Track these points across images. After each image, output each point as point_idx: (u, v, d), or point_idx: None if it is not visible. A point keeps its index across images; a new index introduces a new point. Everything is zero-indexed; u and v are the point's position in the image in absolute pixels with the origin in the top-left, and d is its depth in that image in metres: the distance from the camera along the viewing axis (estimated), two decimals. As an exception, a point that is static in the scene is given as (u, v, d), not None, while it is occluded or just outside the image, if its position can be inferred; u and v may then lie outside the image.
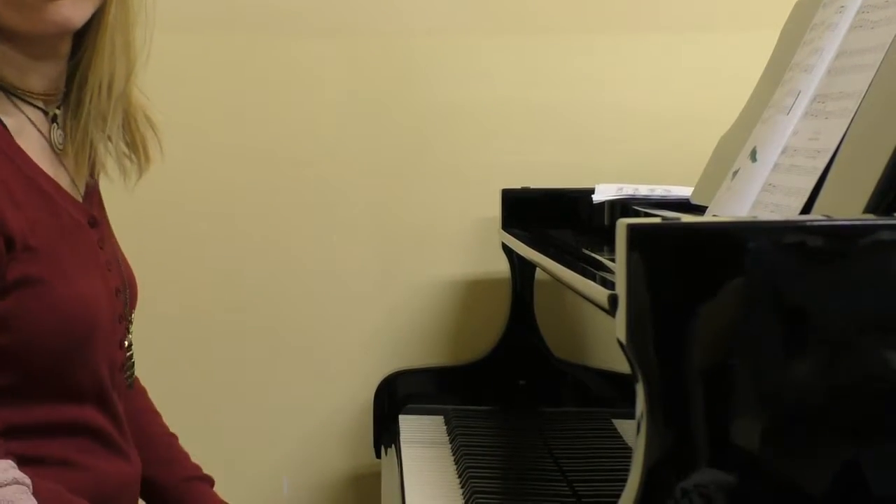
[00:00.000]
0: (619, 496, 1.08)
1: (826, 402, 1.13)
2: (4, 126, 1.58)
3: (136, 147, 1.78)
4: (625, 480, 1.10)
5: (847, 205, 1.19)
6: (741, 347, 1.11)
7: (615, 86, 2.33)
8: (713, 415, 1.11)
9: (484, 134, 2.28)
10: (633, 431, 1.09)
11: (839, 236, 1.13)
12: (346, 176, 2.32)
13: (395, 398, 2.13)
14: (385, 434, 2.07)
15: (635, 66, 2.33)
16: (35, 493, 1.36)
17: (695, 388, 1.11)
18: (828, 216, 1.20)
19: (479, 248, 2.32)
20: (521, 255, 2.01)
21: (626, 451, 1.12)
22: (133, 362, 1.83)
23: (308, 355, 2.28)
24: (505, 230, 2.12)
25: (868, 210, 1.16)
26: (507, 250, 2.13)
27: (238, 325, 2.22)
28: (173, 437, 1.91)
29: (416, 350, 2.29)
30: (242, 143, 2.24)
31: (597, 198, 1.93)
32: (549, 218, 2.08)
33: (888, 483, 1.13)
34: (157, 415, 1.92)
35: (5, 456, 1.45)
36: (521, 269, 2.16)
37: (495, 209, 2.18)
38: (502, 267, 2.19)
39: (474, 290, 2.27)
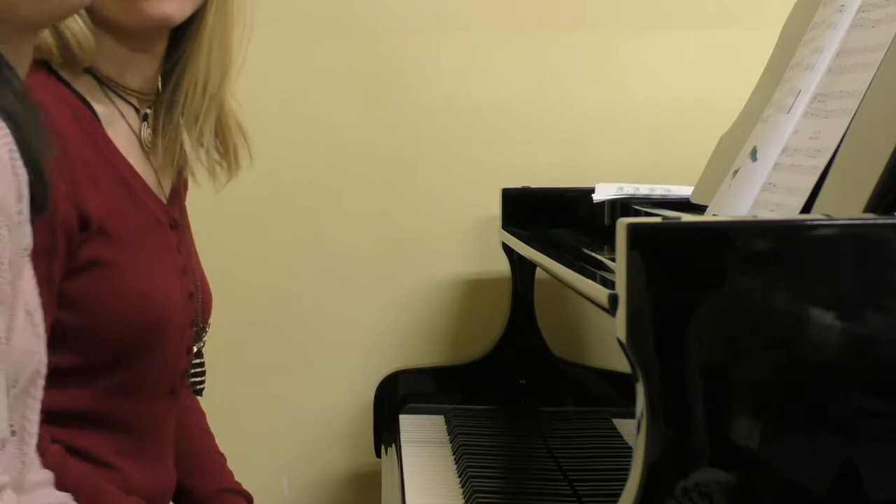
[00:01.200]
0: (619, 495, 1.09)
1: (825, 400, 1.13)
2: (95, 114, 1.61)
3: (227, 154, 1.80)
4: (625, 480, 1.10)
5: (847, 204, 1.20)
6: (741, 347, 1.12)
7: (615, 85, 2.35)
8: (713, 414, 1.11)
9: (485, 134, 2.30)
10: (633, 431, 1.10)
11: (840, 236, 1.13)
12: (346, 175, 2.32)
13: (395, 397, 2.13)
14: (385, 433, 2.08)
15: (635, 65, 2.35)
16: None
17: (695, 388, 1.11)
18: (828, 215, 1.19)
19: (480, 248, 2.32)
20: (522, 254, 2.02)
21: (626, 451, 1.12)
22: (204, 370, 1.85)
23: (309, 354, 2.28)
24: (505, 229, 2.12)
25: (868, 209, 1.16)
26: (508, 249, 2.14)
27: (238, 325, 2.20)
28: (221, 456, 1.91)
29: (417, 349, 2.30)
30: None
31: (597, 197, 1.93)
32: (549, 217, 2.09)
33: (885, 481, 1.14)
34: (210, 434, 1.92)
35: (49, 445, 1.45)
36: (522, 269, 2.16)
37: (495, 208, 2.19)
38: (503, 266, 2.19)
39: (474, 290, 2.28)
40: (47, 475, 1.36)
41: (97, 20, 1.60)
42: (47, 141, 1.27)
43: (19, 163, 1.17)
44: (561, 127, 2.32)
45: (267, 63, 2.18)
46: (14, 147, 1.17)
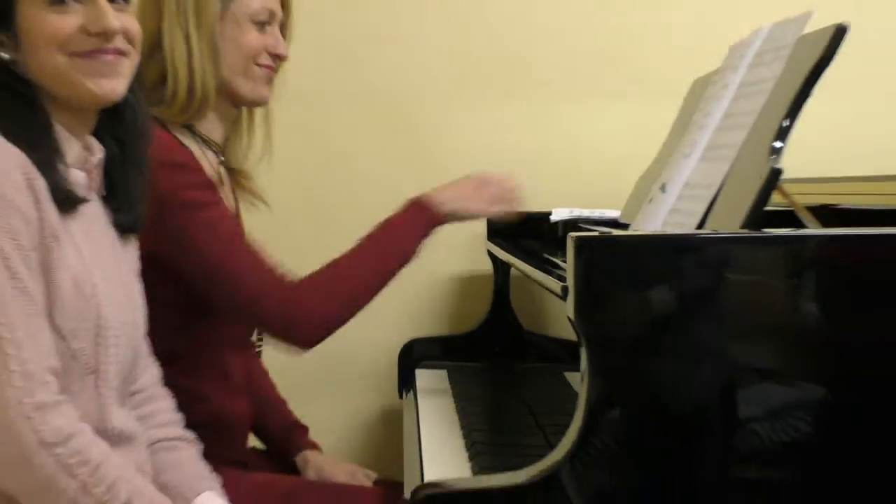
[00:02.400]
0: (568, 425, 1.13)
1: (704, 348, 1.13)
2: (191, 153, 1.59)
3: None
4: (572, 414, 1.13)
5: (728, 223, 1.22)
6: (651, 322, 1.13)
7: (573, 135, 2.28)
8: (632, 369, 1.13)
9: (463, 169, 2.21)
10: (578, 381, 1.14)
11: (722, 245, 1.14)
12: (372, 203, 2.29)
13: (412, 358, 2.13)
14: (406, 383, 2.08)
15: (586, 123, 2.29)
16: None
17: (620, 351, 1.13)
18: (715, 231, 1.25)
19: (471, 254, 2.30)
20: (501, 258, 2.07)
21: (573, 395, 1.12)
22: (262, 339, 1.84)
23: (351, 328, 2.26)
24: (489, 240, 2.15)
25: (743, 227, 1.18)
26: (491, 255, 2.17)
27: None
28: (284, 401, 1.89)
29: (427, 324, 2.30)
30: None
31: (554, 218, 1.93)
32: (521, 232, 2.07)
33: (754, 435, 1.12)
34: (272, 385, 1.90)
35: (167, 395, 1.44)
36: (501, 268, 2.19)
37: (482, 226, 2.17)
38: (487, 266, 2.19)
39: (468, 283, 2.29)
40: (132, 428, 1.32)
41: (222, 93, 1.63)
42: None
43: (39, 182, 1.17)
44: (531, 164, 2.25)
45: (309, 122, 2.15)
46: (30, 171, 1.17)
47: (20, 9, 1.21)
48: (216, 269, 1.48)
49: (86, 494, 1.15)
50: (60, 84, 1.23)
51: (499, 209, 1.61)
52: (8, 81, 1.22)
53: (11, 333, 1.12)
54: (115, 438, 1.25)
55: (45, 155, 1.20)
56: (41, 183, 1.18)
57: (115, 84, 1.26)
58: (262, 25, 1.62)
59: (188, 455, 1.39)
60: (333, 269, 1.53)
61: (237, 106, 1.67)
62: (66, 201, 1.22)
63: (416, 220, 1.57)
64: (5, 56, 1.22)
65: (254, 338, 1.79)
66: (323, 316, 1.51)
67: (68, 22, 1.22)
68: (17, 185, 1.15)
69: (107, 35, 1.24)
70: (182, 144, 1.56)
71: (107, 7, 1.24)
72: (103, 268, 1.28)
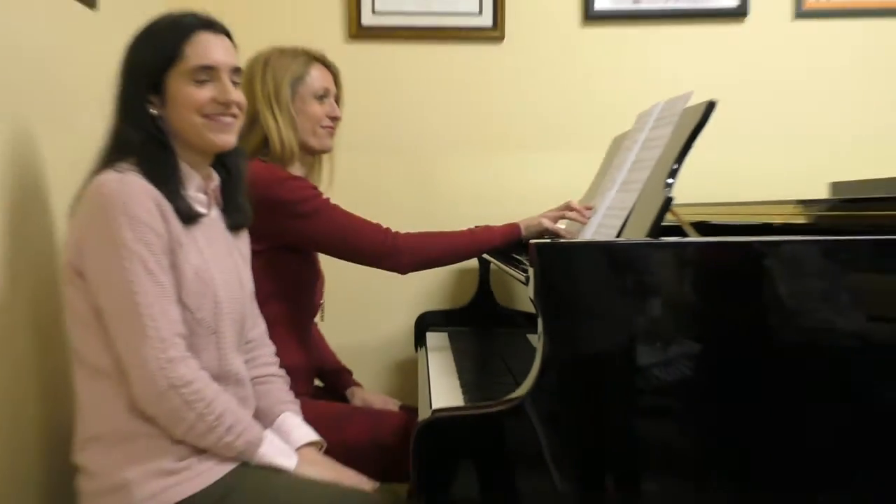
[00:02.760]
0: (528, 372, 1.15)
1: (615, 326, 1.13)
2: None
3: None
4: (532, 363, 1.15)
5: (637, 234, 1.24)
6: (585, 301, 1.14)
7: (537, 177, 2.22)
8: (572, 333, 1.13)
9: (475, 211, 2.15)
10: (536, 340, 1.15)
11: (633, 249, 1.15)
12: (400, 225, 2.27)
13: (424, 324, 2.11)
14: (420, 341, 2.07)
15: (547, 168, 2.23)
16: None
17: (564, 320, 1.13)
18: (628, 239, 1.26)
19: None
20: (484, 257, 2.03)
21: (532, 350, 1.13)
22: (323, 310, 1.82)
23: (384, 305, 2.26)
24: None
25: (647, 236, 1.20)
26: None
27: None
28: (334, 353, 1.91)
29: (435, 302, 2.25)
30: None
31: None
32: None
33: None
34: (327, 343, 1.91)
35: (270, 344, 1.46)
36: (484, 264, 2.14)
37: None
38: (475, 264, 2.14)
39: (462, 274, 2.22)
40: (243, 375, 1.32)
41: (301, 147, 1.66)
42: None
43: (166, 205, 1.20)
44: (509, 197, 2.20)
45: (351, 164, 2.10)
46: (159, 198, 1.20)
47: (170, 80, 1.25)
48: (351, 234, 1.54)
49: (201, 421, 1.17)
50: (193, 136, 1.27)
51: (558, 227, 1.62)
52: (153, 131, 1.25)
53: (149, 310, 1.15)
54: (232, 378, 1.28)
55: (172, 186, 1.23)
56: (167, 206, 1.20)
57: (230, 138, 1.31)
58: (321, 99, 1.66)
59: (277, 387, 1.41)
60: (432, 235, 1.58)
61: (312, 154, 1.71)
62: (188, 217, 1.24)
63: (504, 234, 1.60)
64: (154, 112, 1.25)
65: (317, 318, 1.80)
66: (416, 260, 1.56)
67: (204, 93, 1.26)
68: (149, 210, 1.18)
69: (228, 105, 1.28)
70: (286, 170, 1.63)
71: (230, 85, 1.28)
72: (219, 260, 1.30)
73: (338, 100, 1.73)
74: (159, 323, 1.15)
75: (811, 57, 2.23)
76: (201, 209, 1.30)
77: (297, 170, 1.67)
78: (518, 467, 1.12)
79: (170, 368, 1.15)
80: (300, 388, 1.53)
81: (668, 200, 1.20)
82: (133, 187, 1.17)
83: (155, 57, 1.24)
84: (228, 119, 1.29)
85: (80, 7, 1.57)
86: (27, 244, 1.34)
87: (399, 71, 2.23)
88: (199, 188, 1.31)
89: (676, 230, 1.33)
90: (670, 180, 1.22)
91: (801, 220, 1.50)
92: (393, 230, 1.59)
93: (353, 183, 1.96)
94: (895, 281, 1.11)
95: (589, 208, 1.59)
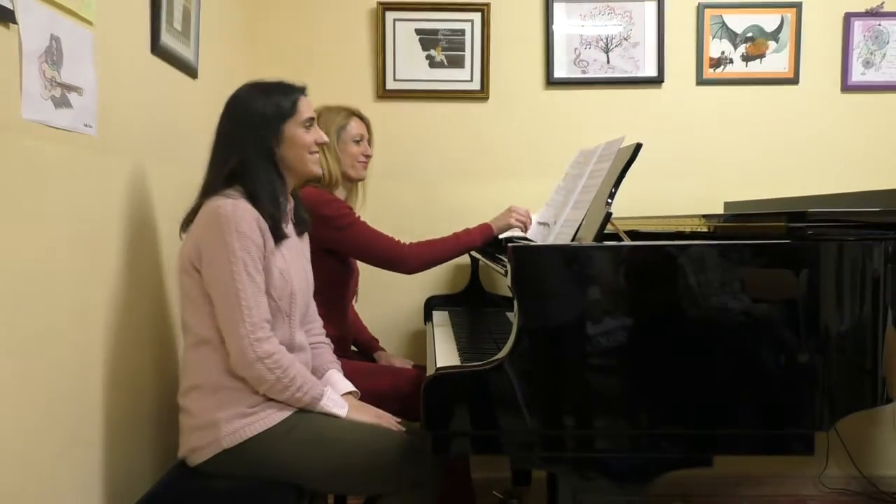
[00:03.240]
0: (507, 339, 1.12)
1: (571, 306, 1.11)
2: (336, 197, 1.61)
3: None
4: (510, 333, 1.13)
5: (586, 239, 1.20)
6: (549, 288, 1.12)
7: (519, 197, 2.11)
8: (539, 311, 1.11)
9: (467, 217, 2.07)
10: (513, 317, 1.13)
11: (583, 250, 1.13)
12: (409, 234, 2.16)
13: (430, 305, 2.06)
14: (427, 317, 2.02)
15: (527, 190, 2.15)
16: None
17: (533, 302, 1.11)
18: (579, 243, 1.21)
19: (463, 256, 2.20)
20: (475, 255, 1.99)
21: (509, 324, 1.10)
22: (357, 295, 1.77)
23: (402, 290, 2.21)
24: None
25: (594, 240, 1.14)
26: (470, 255, 2.05)
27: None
28: (366, 327, 1.85)
29: (439, 288, 2.17)
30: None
31: (501, 236, 1.90)
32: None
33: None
34: (360, 319, 1.85)
35: (319, 320, 1.42)
36: (474, 260, 2.08)
37: None
38: (467, 260, 2.08)
39: (459, 268, 2.18)
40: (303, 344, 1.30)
41: (343, 175, 1.63)
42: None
43: (264, 225, 1.19)
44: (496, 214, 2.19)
45: (376, 194, 2.04)
46: (260, 220, 1.18)
47: (286, 126, 1.24)
48: (373, 244, 1.53)
49: (279, 383, 1.17)
50: (303, 168, 1.27)
51: (518, 225, 1.62)
52: (270, 165, 1.23)
53: (246, 301, 1.15)
54: (297, 347, 1.27)
55: (274, 211, 1.22)
56: (265, 225, 1.19)
57: (318, 168, 1.33)
58: (358, 143, 1.65)
59: (325, 351, 1.39)
60: (431, 242, 1.57)
61: (351, 182, 1.69)
62: (278, 236, 1.22)
63: (481, 232, 1.59)
64: (276, 150, 1.23)
65: (353, 301, 1.78)
66: (424, 264, 1.55)
67: (310, 136, 1.27)
68: (252, 229, 1.17)
69: (319, 145, 1.30)
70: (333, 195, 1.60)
71: (321, 132, 1.30)
72: (294, 262, 1.28)
73: (370, 142, 1.73)
74: (253, 311, 1.15)
75: (710, 111, 2.23)
76: (286, 229, 1.27)
77: (340, 193, 1.65)
78: (499, 410, 1.10)
79: (257, 345, 1.15)
80: (339, 352, 1.51)
81: (608, 215, 1.18)
82: (243, 212, 1.17)
83: (278, 110, 1.23)
84: (318, 155, 1.31)
85: (185, 76, 1.58)
86: (144, 249, 1.34)
87: (414, 121, 2.19)
88: (287, 210, 1.29)
89: (615, 237, 1.31)
90: (610, 200, 1.20)
91: (704, 229, 1.49)
92: (405, 242, 1.57)
93: (380, 201, 1.97)
94: (768, 274, 1.10)
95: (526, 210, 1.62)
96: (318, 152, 1.30)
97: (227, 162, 1.22)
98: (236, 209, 1.17)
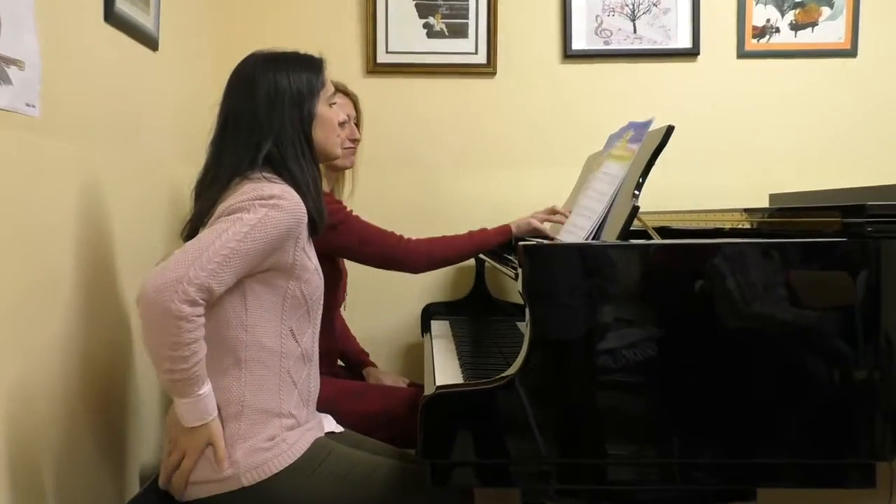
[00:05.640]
0: (518, 353, 1.13)
1: (590, 313, 1.12)
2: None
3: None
4: (521, 346, 1.14)
5: (610, 237, 1.22)
6: (566, 294, 1.12)
7: (523, 188, 2.16)
8: (555, 321, 1.12)
9: (469, 210, 2.15)
10: (524, 327, 1.14)
11: (605, 250, 1.14)
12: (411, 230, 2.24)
13: (429, 313, 2.10)
14: (425, 328, 2.04)
15: (532, 182, 2.16)
16: None
17: (548, 310, 1.12)
18: (602, 241, 1.24)
19: None
20: (480, 256, 1.97)
21: (520, 336, 1.11)
22: (345, 302, 1.79)
23: (396, 296, 2.21)
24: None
25: (618, 239, 1.19)
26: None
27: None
28: (355, 338, 1.87)
29: (439, 295, 2.20)
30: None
31: None
32: None
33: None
34: (349, 330, 1.88)
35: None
36: (479, 262, 2.11)
37: None
38: (472, 262, 2.05)
39: (461, 271, 2.18)
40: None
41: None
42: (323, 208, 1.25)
43: (306, 214, 1.16)
44: (504, 205, 2.11)
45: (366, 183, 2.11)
46: (304, 209, 1.15)
47: (318, 103, 1.22)
48: (372, 241, 1.51)
49: (175, 345, 1.04)
50: (330, 150, 1.25)
51: (544, 227, 1.59)
52: (308, 148, 1.20)
53: (213, 255, 1.05)
54: (314, 359, 1.22)
55: (318, 200, 1.19)
56: (306, 219, 1.16)
57: (340, 152, 1.33)
58: (343, 125, 1.64)
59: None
60: (441, 239, 1.56)
61: (335, 171, 1.68)
62: (316, 230, 1.21)
63: (498, 233, 1.58)
64: (311, 131, 1.21)
65: (341, 308, 1.79)
66: (431, 262, 1.54)
67: (337, 116, 1.27)
68: (299, 219, 1.13)
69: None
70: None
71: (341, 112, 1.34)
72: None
73: (358, 124, 1.71)
74: (207, 269, 1.04)
75: (751, 89, 2.23)
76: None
77: (323, 185, 1.64)
78: (508, 435, 1.10)
79: (182, 297, 1.02)
80: (323, 368, 1.51)
81: (635, 209, 1.18)
82: (292, 196, 1.12)
83: (311, 85, 1.20)
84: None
85: (144, 48, 1.57)
86: (98, 248, 1.33)
87: (409, 101, 2.19)
88: None
89: (643, 234, 1.31)
90: (637, 192, 1.20)
91: (746, 226, 1.48)
92: (405, 237, 1.56)
93: (370, 193, 1.96)
94: (821, 277, 1.10)
95: (569, 212, 1.55)
96: (340, 135, 1.30)
97: (257, 147, 1.17)
98: (285, 192, 1.12)
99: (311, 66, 1.24)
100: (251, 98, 1.19)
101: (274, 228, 1.10)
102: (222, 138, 1.21)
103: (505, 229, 1.59)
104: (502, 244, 1.59)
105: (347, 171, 1.73)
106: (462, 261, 1.60)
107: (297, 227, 1.14)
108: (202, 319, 1.07)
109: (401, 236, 1.56)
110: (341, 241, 1.51)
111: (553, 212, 1.60)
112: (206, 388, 1.10)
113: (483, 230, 1.61)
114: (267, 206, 1.09)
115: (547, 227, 1.61)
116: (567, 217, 1.55)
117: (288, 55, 1.24)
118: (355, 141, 1.68)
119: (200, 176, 1.23)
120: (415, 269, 1.55)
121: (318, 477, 1.14)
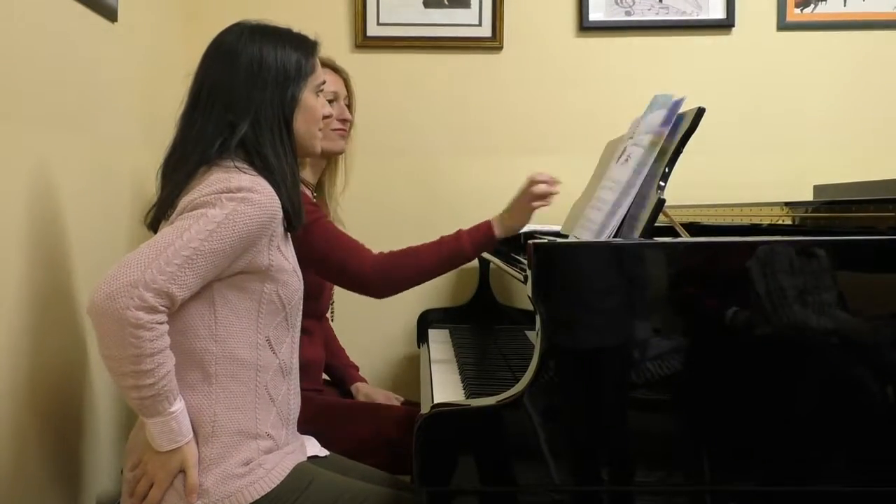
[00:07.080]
0: (527, 366, 1.13)
1: (608, 322, 1.11)
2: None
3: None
4: (530, 358, 1.13)
5: (631, 234, 1.22)
6: (581, 299, 1.12)
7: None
8: (569, 330, 1.12)
9: (471, 202, 2.16)
10: (534, 337, 1.14)
11: (626, 250, 1.14)
12: (407, 225, 2.20)
13: (426, 321, 2.11)
14: (422, 337, 2.06)
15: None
16: None
17: (561, 317, 1.11)
18: (622, 239, 1.23)
19: None
20: (484, 256, 2.01)
21: (530, 346, 1.11)
22: (333, 309, 1.79)
23: (385, 304, 2.21)
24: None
25: (640, 236, 1.18)
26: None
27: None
28: (343, 350, 1.87)
29: (437, 300, 2.22)
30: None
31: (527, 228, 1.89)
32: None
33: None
34: (336, 339, 1.88)
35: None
36: (484, 263, 2.13)
37: None
38: (475, 262, 2.10)
39: (463, 273, 2.18)
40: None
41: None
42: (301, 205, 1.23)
43: (280, 209, 1.15)
44: (506, 197, 2.20)
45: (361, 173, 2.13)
46: (279, 203, 1.14)
47: (304, 88, 1.21)
48: (334, 248, 1.44)
49: (136, 360, 1.02)
50: (306, 144, 1.23)
51: (538, 205, 1.47)
52: (288, 135, 1.18)
53: (177, 263, 1.03)
54: (295, 371, 1.23)
55: (294, 193, 1.17)
56: (280, 215, 1.15)
57: (320, 149, 1.31)
58: (331, 103, 1.62)
59: None
60: (408, 254, 1.45)
61: (324, 157, 1.66)
62: (293, 226, 1.20)
63: (477, 238, 1.47)
64: (293, 118, 1.20)
65: (328, 313, 1.79)
66: (392, 285, 1.45)
67: (323, 107, 1.26)
68: (272, 214, 1.11)
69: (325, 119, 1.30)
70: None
71: (327, 103, 1.30)
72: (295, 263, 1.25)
73: (349, 104, 1.69)
74: (167, 272, 1.02)
75: (794, 66, 2.23)
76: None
77: (307, 175, 1.64)
78: (516, 460, 1.09)
79: (138, 304, 0.99)
80: (306, 382, 1.51)
81: (661, 202, 1.17)
82: (263, 188, 1.10)
83: (299, 67, 1.19)
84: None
85: (100, 18, 1.56)
86: (50, 246, 1.32)
87: (402, 79, 2.21)
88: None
89: (669, 231, 1.31)
90: (663, 183, 1.20)
91: (787, 221, 1.48)
92: (375, 253, 1.47)
93: (358, 184, 1.95)
94: (873, 279, 1.09)
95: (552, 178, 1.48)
96: (323, 129, 1.28)
97: (231, 128, 1.15)
98: (256, 184, 1.10)
99: (302, 46, 1.22)
100: (231, 70, 1.16)
101: (244, 225, 1.08)
102: (193, 112, 1.18)
103: (488, 236, 1.45)
104: (483, 250, 1.49)
105: (339, 159, 1.71)
106: (431, 278, 1.48)
107: (271, 223, 1.12)
108: (165, 327, 1.05)
109: (368, 250, 1.47)
110: (308, 244, 1.44)
111: (532, 183, 1.46)
112: (179, 405, 1.08)
113: (459, 234, 1.47)
114: (235, 199, 1.07)
115: (545, 210, 1.51)
116: (553, 184, 1.47)
117: (280, 30, 1.23)
118: (346, 122, 1.65)
119: (167, 155, 1.20)
120: (379, 295, 1.47)
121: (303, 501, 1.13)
